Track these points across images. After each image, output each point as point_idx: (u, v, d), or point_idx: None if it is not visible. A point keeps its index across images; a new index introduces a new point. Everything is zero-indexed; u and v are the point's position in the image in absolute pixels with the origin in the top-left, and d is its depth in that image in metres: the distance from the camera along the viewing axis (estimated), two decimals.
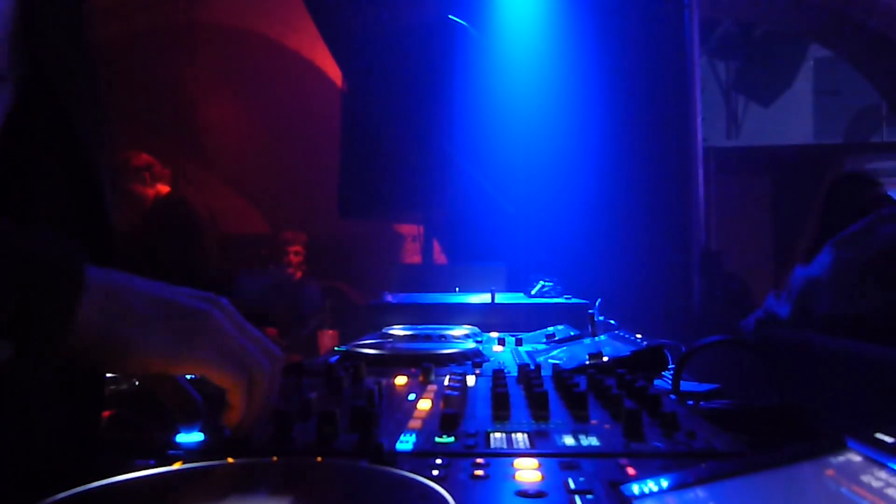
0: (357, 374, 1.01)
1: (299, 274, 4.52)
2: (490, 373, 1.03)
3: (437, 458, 0.62)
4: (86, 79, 0.87)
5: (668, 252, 2.83)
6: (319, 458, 0.64)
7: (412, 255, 4.60)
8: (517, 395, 0.89)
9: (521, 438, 0.69)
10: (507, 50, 3.06)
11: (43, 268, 0.57)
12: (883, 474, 0.44)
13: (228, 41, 5.21)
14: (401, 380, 1.01)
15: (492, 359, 1.25)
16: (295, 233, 4.59)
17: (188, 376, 0.71)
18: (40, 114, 0.77)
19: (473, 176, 3.04)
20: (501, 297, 1.98)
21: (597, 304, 1.52)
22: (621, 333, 1.33)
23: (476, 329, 1.60)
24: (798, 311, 2.17)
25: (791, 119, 4.96)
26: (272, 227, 5.07)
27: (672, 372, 1.06)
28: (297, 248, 4.56)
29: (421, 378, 1.02)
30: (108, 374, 0.71)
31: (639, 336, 1.26)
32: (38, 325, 0.56)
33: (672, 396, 0.92)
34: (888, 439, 0.47)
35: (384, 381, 0.99)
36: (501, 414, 0.79)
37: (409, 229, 4.57)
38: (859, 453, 0.47)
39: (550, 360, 1.19)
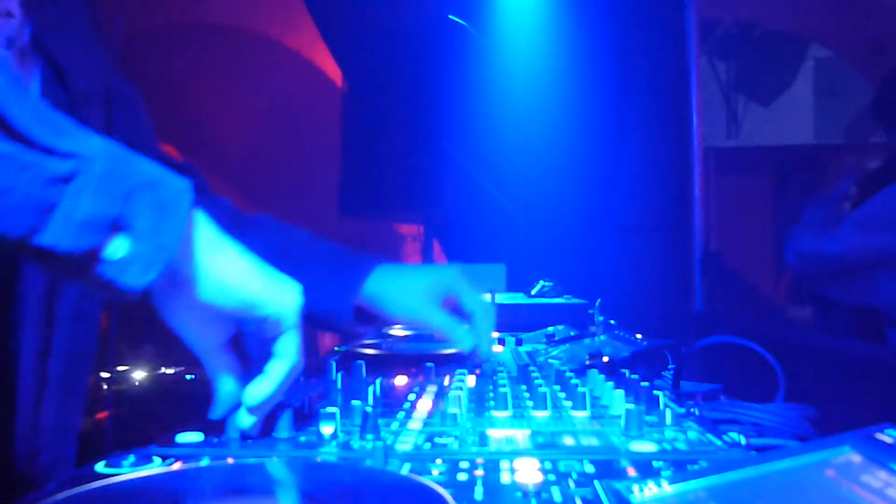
0: (357, 374, 1.01)
1: None
2: (490, 373, 1.03)
3: (437, 458, 0.62)
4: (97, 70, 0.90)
5: (668, 252, 2.83)
6: (319, 458, 0.64)
7: (412, 255, 4.60)
8: (517, 394, 0.89)
9: (521, 438, 0.69)
10: (507, 50, 3.06)
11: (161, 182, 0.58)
12: (883, 474, 0.44)
13: (228, 41, 5.20)
14: (401, 380, 1.01)
15: (492, 359, 1.25)
16: None
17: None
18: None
19: (473, 176, 3.04)
20: (501, 297, 1.98)
21: (597, 304, 1.52)
22: (621, 333, 1.33)
23: None
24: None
25: (791, 119, 4.95)
26: None
27: (672, 372, 1.06)
28: None
29: (421, 378, 1.02)
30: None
31: (639, 336, 1.26)
32: (154, 228, 0.56)
33: (672, 396, 0.92)
34: (888, 439, 0.47)
35: (384, 381, 0.99)
36: (501, 414, 0.79)
37: (409, 229, 4.57)
38: (859, 453, 0.47)
39: (550, 360, 1.19)
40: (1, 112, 0.52)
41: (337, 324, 1.03)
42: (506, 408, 0.80)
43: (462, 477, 0.57)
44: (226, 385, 0.69)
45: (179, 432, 0.70)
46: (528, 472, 0.58)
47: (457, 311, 1.05)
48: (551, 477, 0.57)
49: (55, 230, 0.52)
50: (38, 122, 0.54)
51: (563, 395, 0.88)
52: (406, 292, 1.02)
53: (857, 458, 0.47)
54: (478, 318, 1.03)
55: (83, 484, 0.53)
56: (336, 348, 1.29)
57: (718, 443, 0.67)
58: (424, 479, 0.55)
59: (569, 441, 0.68)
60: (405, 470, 0.59)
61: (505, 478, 0.57)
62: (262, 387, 0.68)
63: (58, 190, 0.52)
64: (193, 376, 3.35)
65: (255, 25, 5.27)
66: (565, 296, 2.03)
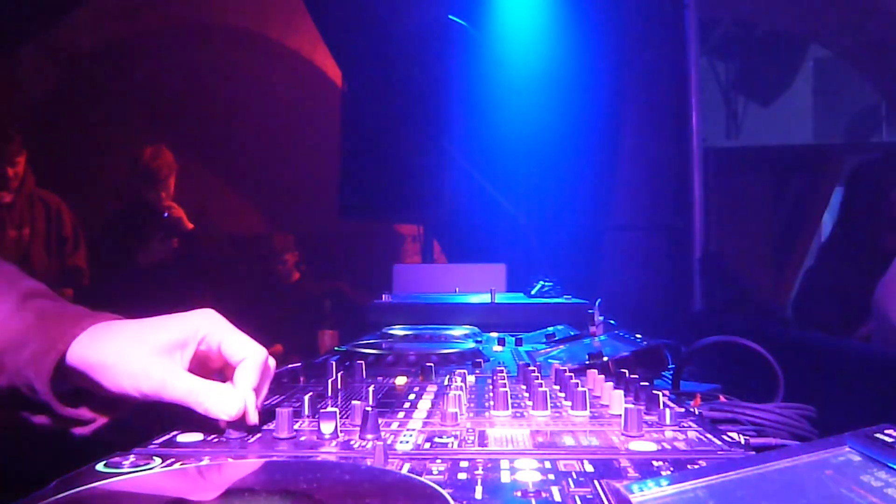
0: (357, 374, 1.01)
1: (296, 275, 4.52)
2: (490, 373, 1.03)
3: (437, 458, 0.62)
4: None
5: (667, 252, 2.83)
6: (319, 458, 0.64)
7: (412, 255, 4.61)
8: (517, 394, 0.89)
9: (521, 438, 0.69)
10: (507, 50, 3.06)
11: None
12: (883, 474, 0.44)
13: (228, 41, 5.21)
14: (401, 380, 1.01)
15: (492, 359, 1.25)
16: (283, 235, 4.59)
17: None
18: None
19: (473, 176, 3.04)
20: (501, 297, 1.97)
21: (597, 304, 1.52)
22: (621, 333, 1.33)
23: (476, 329, 1.60)
24: None
25: (791, 119, 4.95)
26: (271, 227, 5.08)
27: (672, 372, 1.06)
28: (289, 252, 4.55)
29: (421, 378, 1.02)
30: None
31: (639, 336, 1.26)
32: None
33: (672, 396, 0.92)
34: (888, 439, 0.47)
35: (384, 381, 0.99)
36: (501, 414, 0.79)
37: (409, 229, 4.57)
38: (859, 453, 0.47)
39: (550, 360, 1.19)
40: None
41: (32, 398, 0.71)
42: (506, 408, 0.80)
43: (462, 477, 0.57)
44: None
45: (179, 432, 0.70)
46: (527, 471, 0.58)
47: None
48: (551, 477, 0.57)
49: None
50: None
51: (562, 394, 0.88)
52: (130, 351, 0.71)
53: (856, 457, 0.47)
54: (243, 369, 0.74)
55: (83, 484, 0.53)
56: (336, 348, 1.29)
57: (718, 443, 0.67)
58: (424, 479, 0.55)
59: (569, 441, 0.68)
60: (405, 470, 0.59)
61: (505, 477, 0.57)
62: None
63: None
64: None
65: (256, 26, 5.27)
66: (565, 296, 2.03)
